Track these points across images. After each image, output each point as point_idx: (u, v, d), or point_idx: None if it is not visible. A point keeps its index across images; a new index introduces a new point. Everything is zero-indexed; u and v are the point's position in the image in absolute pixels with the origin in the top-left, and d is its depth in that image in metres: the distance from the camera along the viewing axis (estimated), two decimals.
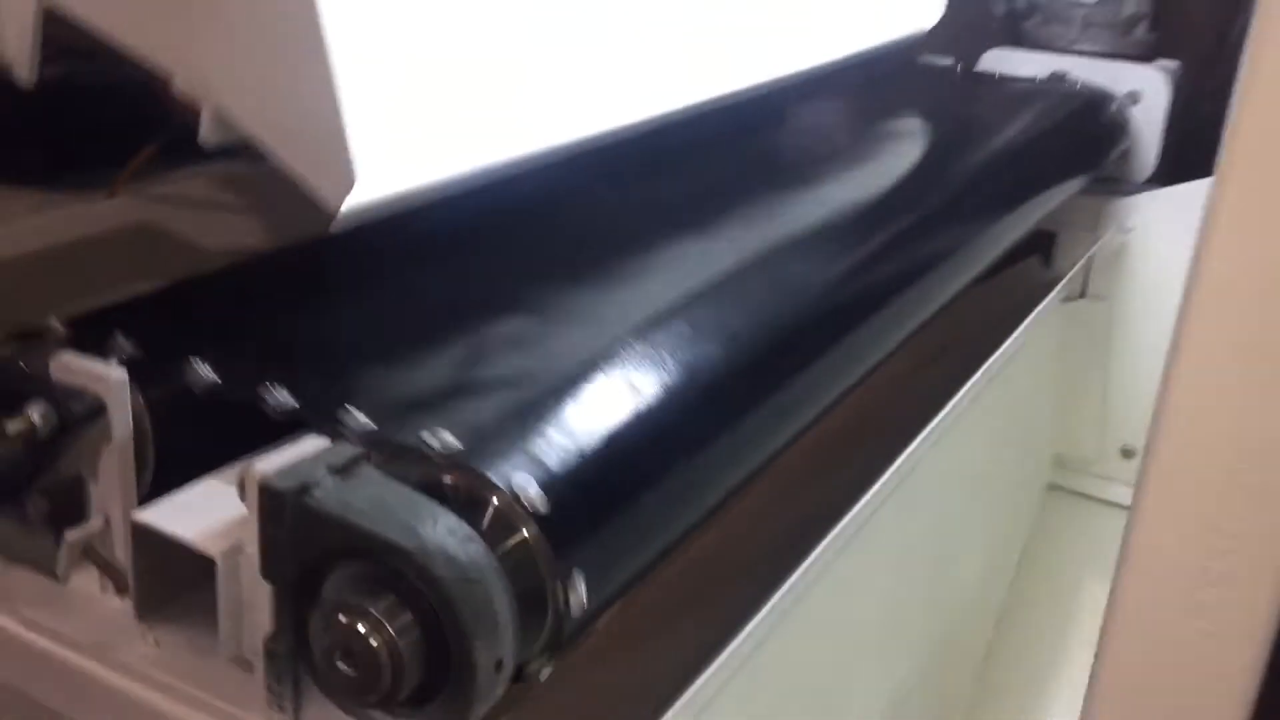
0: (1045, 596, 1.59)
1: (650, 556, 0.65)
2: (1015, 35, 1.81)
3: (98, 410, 0.63)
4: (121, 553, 0.66)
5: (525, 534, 0.57)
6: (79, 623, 0.66)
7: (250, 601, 0.58)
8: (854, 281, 0.94)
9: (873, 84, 1.44)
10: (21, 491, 0.66)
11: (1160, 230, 1.63)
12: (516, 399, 0.65)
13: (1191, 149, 1.69)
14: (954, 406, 1.04)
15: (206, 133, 0.71)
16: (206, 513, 0.59)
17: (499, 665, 0.54)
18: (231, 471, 0.62)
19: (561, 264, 0.86)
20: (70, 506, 0.66)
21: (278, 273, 0.84)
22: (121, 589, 0.66)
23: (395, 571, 0.53)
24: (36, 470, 0.65)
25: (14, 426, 0.62)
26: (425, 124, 0.77)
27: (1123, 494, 1.74)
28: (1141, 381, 1.68)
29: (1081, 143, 1.49)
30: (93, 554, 0.66)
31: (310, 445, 0.60)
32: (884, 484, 0.90)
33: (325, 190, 0.70)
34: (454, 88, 0.79)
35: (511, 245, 0.89)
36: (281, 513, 0.55)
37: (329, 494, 0.55)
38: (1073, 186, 1.42)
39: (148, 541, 0.59)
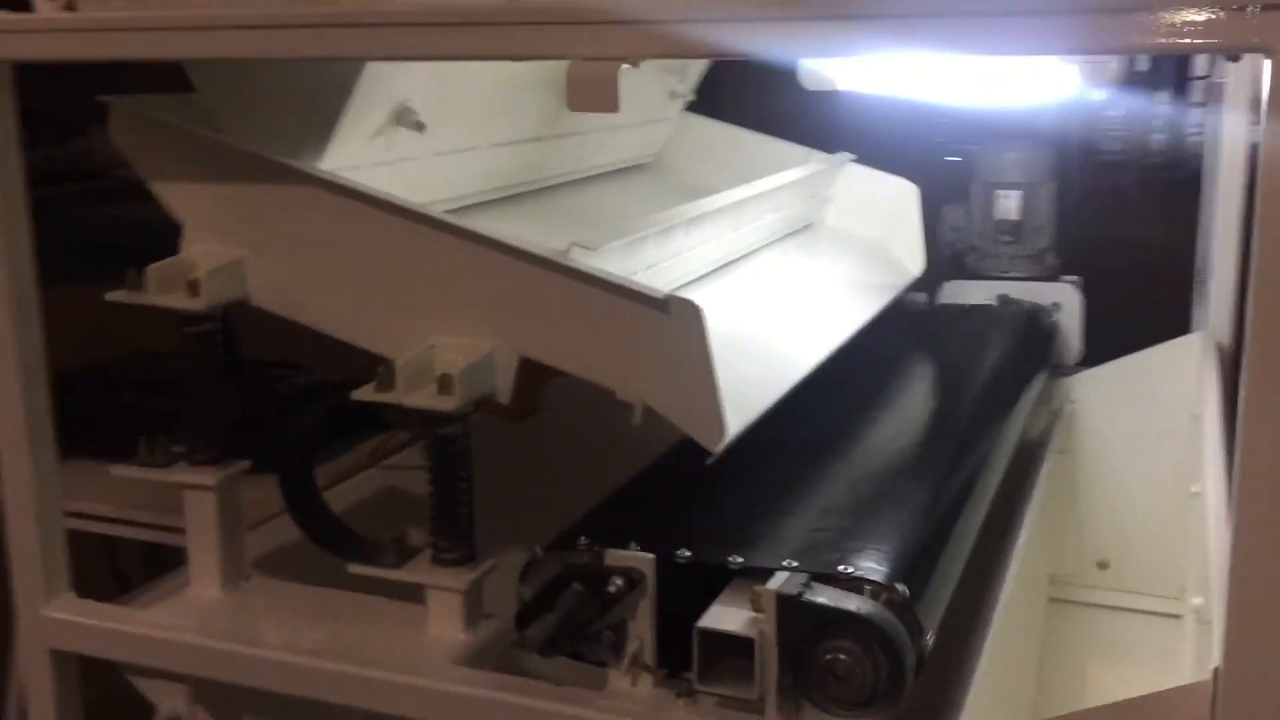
0: (1060, 683, 2.13)
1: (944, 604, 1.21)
2: (960, 269, 2.48)
3: (641, 578, 1.16)
4: (649, 658, 1.18)
5: (905, 603, 1.11)
6: (631, 706, 1.17)
7: (765, 663, 1.10)
8: (946, 456, 1.52)
9: (900, 323, 2.05)
10: (593, 632, 1.17)
11: (1094, 398, 2.26)
12: (865, 535, 1.21)
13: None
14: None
15: (637, 419, 1.26)
16: (732, 620, 1.12)
17: (913, 673, 1.08)
18: (724, 601, 1.15)
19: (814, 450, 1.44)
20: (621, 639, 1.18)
21: (669, 480, 1.39)
22: (656, 680, 1.18)
23: (853, 628, 1.07)
24: (603, 617, 1.17)
25: (611, 589, 1.14)
26: (738, 398, 1.33)
27: (1102, 596, 2.33)
28: (1100, 511, 2.29)
29: (1039, 343, 2.13)
30: (640, 662, 1.18)
31: (739, 588, 1.15)
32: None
33: (710, 441, 1.25)
34: (744, 374, 1.36)
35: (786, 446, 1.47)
36: (789, 607, 1.08)
37: (814, 594, 1.09)
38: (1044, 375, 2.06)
39: (705, 639, 1.12)
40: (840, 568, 1.15)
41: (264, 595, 1.46)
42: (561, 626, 1.17)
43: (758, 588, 1.11)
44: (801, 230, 2.11)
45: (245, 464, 1.45)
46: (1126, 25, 0.89)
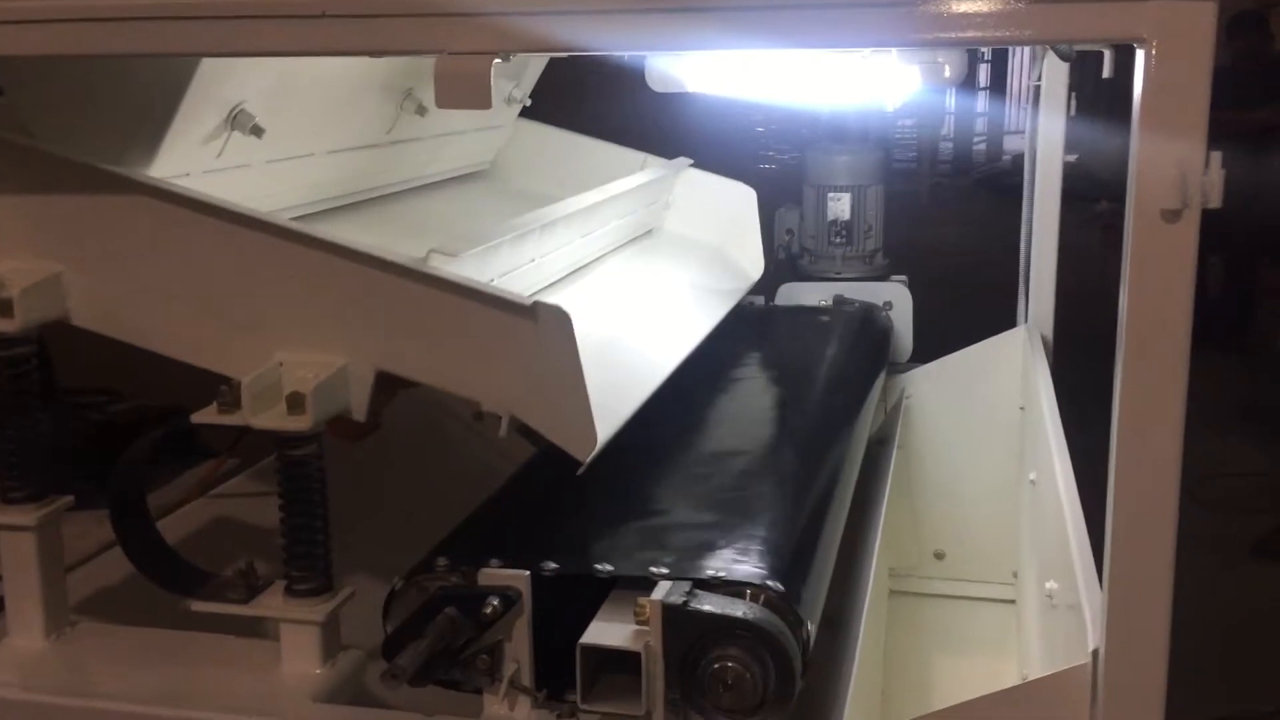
0: (903, 672, 2.17)
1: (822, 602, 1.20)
2: (795, 271, 2.52)
3: (517, 597, 1.11)
4: (527, 680, 1.13)
5: (787, 605, 1.10)
6: None
7: (653, 674, 1.07)
8: (805, 454, 1.53)
9: (741, 325, 2.06)
10: (463, 656, 1.12)
11: (926, 392, 2.32)
12: (736, 537, 1.19)
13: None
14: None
15: (503, 431, 1.21)
16: (616, 633, 1.08)
17: (800, 676, 1.06)
18: (604, 616, 1.11)
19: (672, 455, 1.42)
20: (497, 661, 1.13)
21: (531, 494, 1.34)
22: (535, 702, 1.13)
23: (742, 635, 1.05)
24: (475, 640, 1.11)
25: (487, 610, 1.09)
26: (602, 405, 1.29)
27: (940, 586, 2.39)
28: (935, 503, 2.35)
29: (877, 341, 2.17)
30: (517, 684, 1.13)
31: (618, 600, 1.11)
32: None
33: (580, 451, 1.21)
34: (606, 381, 1.33)
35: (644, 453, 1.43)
36: (675, 617, 1.05)
37: (700, 603, 1.06)
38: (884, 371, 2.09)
39: (587, 656, 1.07)
40: (713, 571, 1.12)
41: (93, 642, 1.35)
42: (433, 653, 1.11)
43: (642, 599, 1.07)
44: (644, 236, 2.09)
45: (68, 500, 1.33)
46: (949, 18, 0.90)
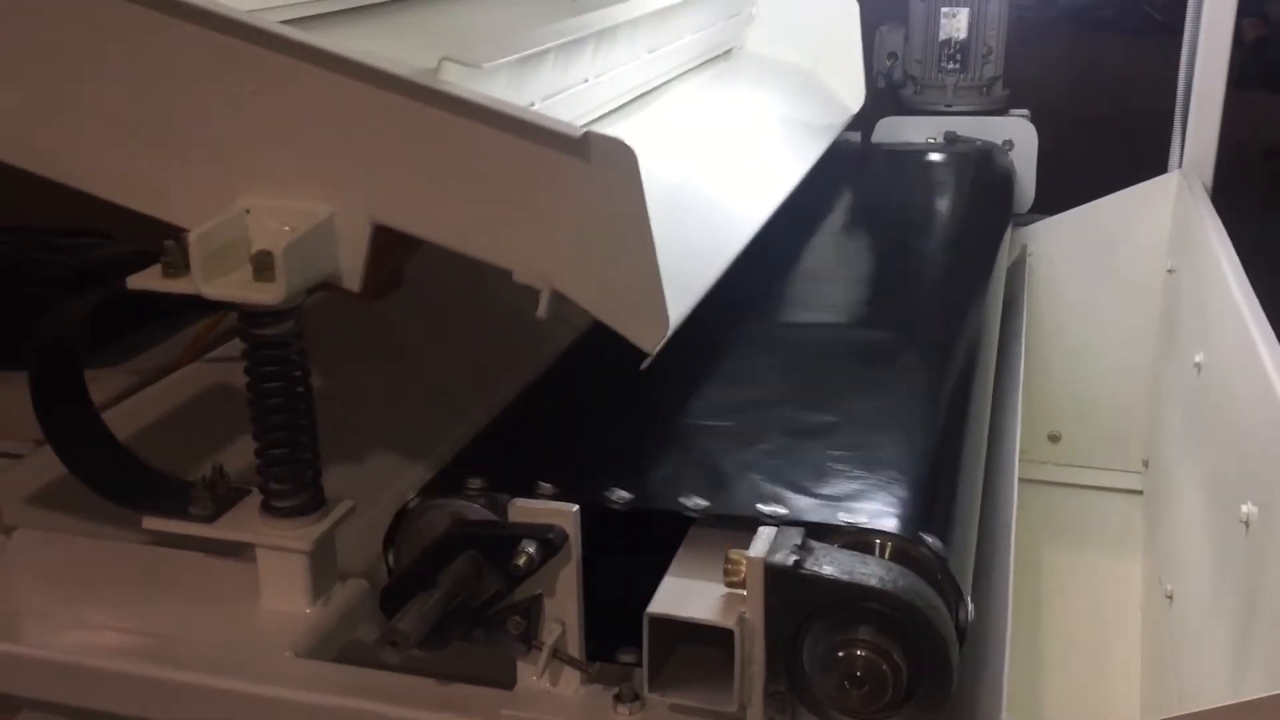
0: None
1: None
2: (897, 103, 2.13)
3: (562, 541, 0.81)
4: (574, 648, 0.84)
5: (942, 570, 0.78)
6: (556, 712, 0.83)
7: (750, 657, 0.77)
8: (931, 341, 1.19)
9: (835, 168, 1.70)
10: (491, 616, 0.82)
11: (1053, 250, 1.96)
12: (862, 462, 0.88)
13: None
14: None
15: (542, 311, 0.89)
16: (698, 600, 0.78)
17: (956, 675, 0.75)
18: (680, 569, 0.81)
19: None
20: (534, 622, 0.83)
21: (581, 392, 1.03)
22: (586, 676, 0.83)
23: (873, 611, 0.74)
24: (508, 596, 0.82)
25: (520, 561, 0.79)
26: (675, 275, 0.97)
27: (1053, 472, 2.07)
28: (1053, 378, 2.02)
29: (998, 189, 1.81)
30: (562, 654, 0.83)
31: (699, 546, 0.81)
32: None
33: (647, 339, 0.88)
34: (679, 242, 1.00)
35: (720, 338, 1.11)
36: (783, 583, 0.74)
37: (818, 564, 0.75)
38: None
39: (659, 629, 0.77)
40: (842, 517, 0.81)
41: (29, 554, 1.07)
42: (447, 612, 0.81)
43: (734, 552, 0.77)
44: (720, 57, 1.72)
45: None
46: None
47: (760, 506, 0.82)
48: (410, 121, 0.86)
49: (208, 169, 0.92)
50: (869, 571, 0.75)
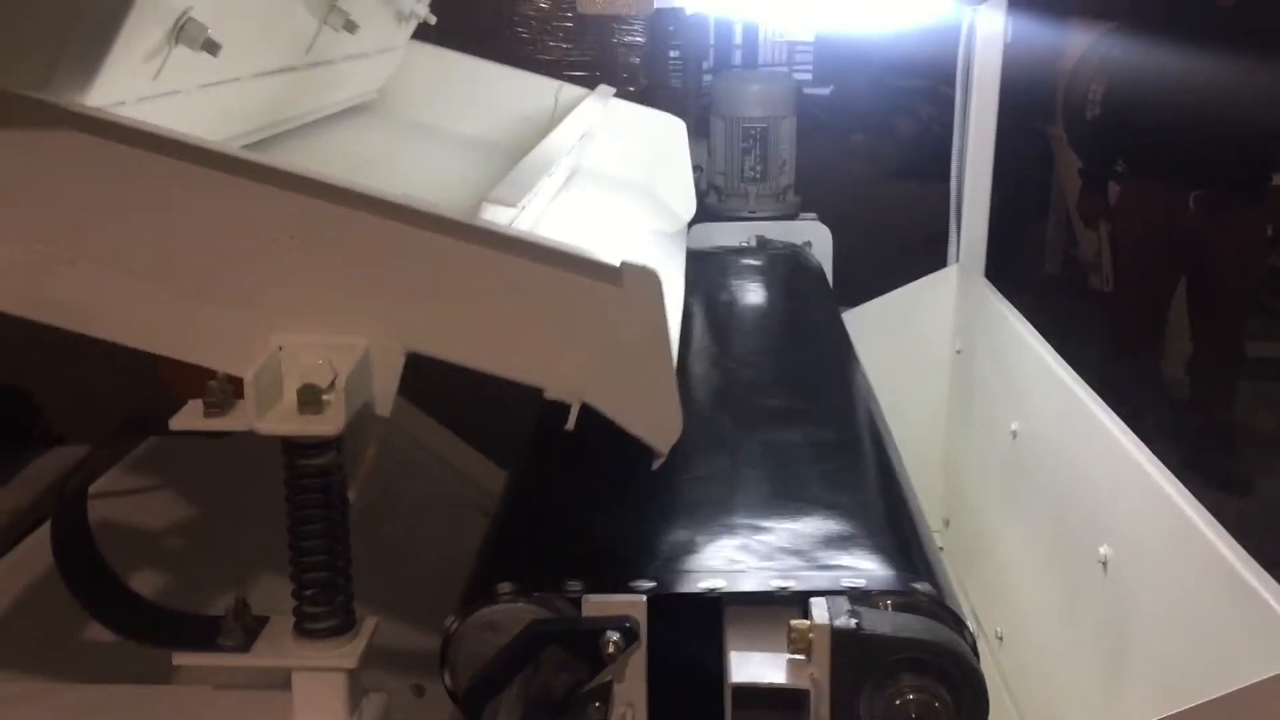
0: None
1: None
2: (702, 210, 2.33)
3: (638, 629, 0.90)
4: None
5: (946, 610, 0.94)
6: None
7: (820, 714, 0.88)
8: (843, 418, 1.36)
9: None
10: (573, 705, 0.90)
11: (858, 335, 2.20)
12: (839, 531, 1.02)
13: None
14: None
15: (571, 424, 0.98)
16: (769, 669, 0.89)
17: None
18: (736, 644, 0.92)
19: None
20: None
21: (568, 499, 1.12)
22: None
23: (928, 662, 0.88)
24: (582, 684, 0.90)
25: (609, 650, 0.87)
26: None
27: None
28: None
29: (820, 280, 2.02)
30: None
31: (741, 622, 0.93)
32: None
33: (660, 442, 1.00)
34: None
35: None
36: (849, 644, 0.87)
37: (875, 626, 0.88)
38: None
39: (743, 697, 0.88)
40: (852, 580, 0.95)
41: (25, 708, 1.04)
42: (531, 702, 0.89)
43: (797, 623, 0.89)
44: (571, 175, 1.86)
45: None
46: None
47: (777, 582, 0.95)
48: (452, 258, 0.95)
49: (241, 311, 0.96)
50: (913, 626, 0.89)
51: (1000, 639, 1.84)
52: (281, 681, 1.01)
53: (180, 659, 0.99)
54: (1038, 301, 2.22)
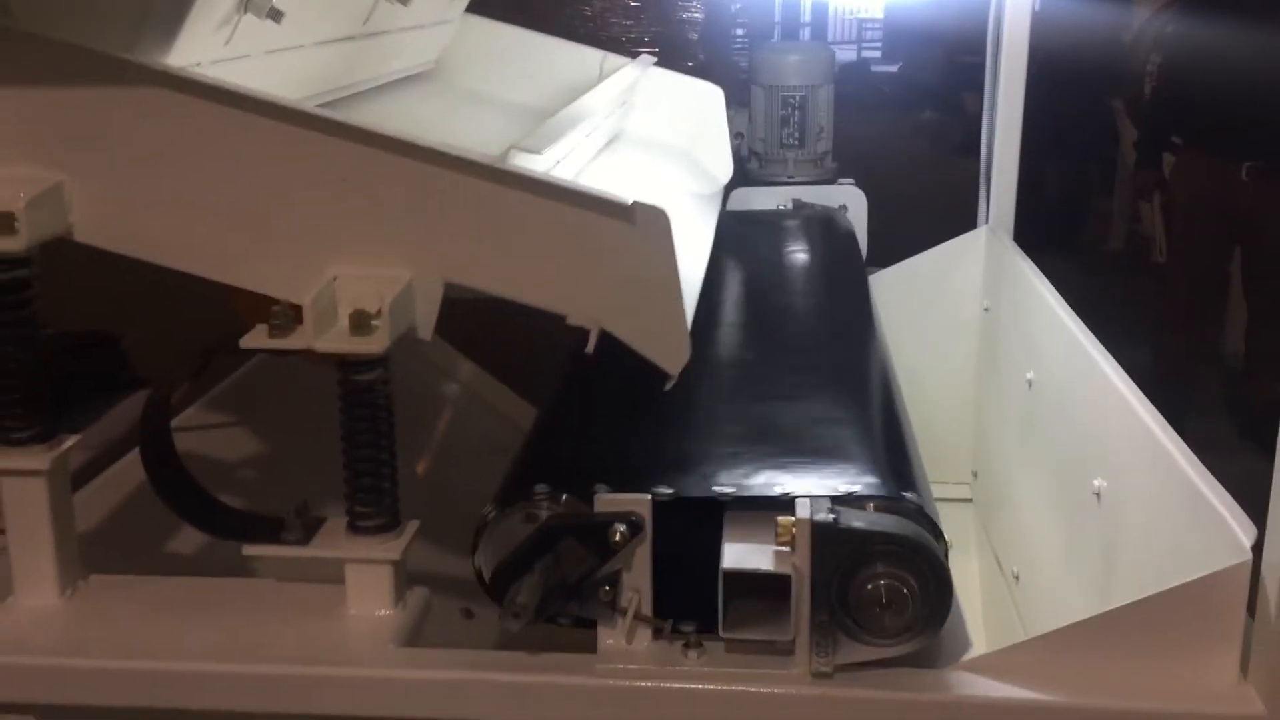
0: None
1: None
2: (744, 175, 2.44)
3: (641, 523, 1.03)
4: (647, 609, 1.05)
5: (927, 519, 1.05)
6: (637, 666, 1.04)
7: (801, 597, 1.00)
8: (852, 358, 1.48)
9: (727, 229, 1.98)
10: (585, 589, 1.03)
11: (884, 298, 2.30)
12: (837, 450, 1.14)
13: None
14: None
15: (591, 347, 1.11)
16: (758, 558, 1.01)
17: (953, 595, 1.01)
18: (732, 539, 1.04)
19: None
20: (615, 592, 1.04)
21: (598, 412, 1.25)
22: (658, 635, 1.05)
23: (897, 553, 0.99)
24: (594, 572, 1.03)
25: (615, 538, 1.00)
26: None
27: None
28: None
29: (850, 243, 2.13)
30: (640, 616, 1.04)
31: (738, 523, 1.05)
32: None
33: (670, 365, 1.12)
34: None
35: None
36: (827, 536, 0.99)
37: (850, 521, 1.00)
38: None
39: (732, 582, 1.00)
40: (846, 487, 1.06)
41: (117, 594, 1.20)
42: (549, 587, 1.02)
43: (784, 519, 1.00)
44: (613, 140, 1.98)
45: (76, 439, 1.17)
46: None
47: (778, 488, 1.07)
48: (483, 198, 1.07)
49: (301, 245, 1.10)
50: (887, 523, 1.01)
51: (1017, 578, 1.93)
52: (337, 577, 1.16)
53: (249, 549, 1.14)
54: (1093, 276, 2.29)
